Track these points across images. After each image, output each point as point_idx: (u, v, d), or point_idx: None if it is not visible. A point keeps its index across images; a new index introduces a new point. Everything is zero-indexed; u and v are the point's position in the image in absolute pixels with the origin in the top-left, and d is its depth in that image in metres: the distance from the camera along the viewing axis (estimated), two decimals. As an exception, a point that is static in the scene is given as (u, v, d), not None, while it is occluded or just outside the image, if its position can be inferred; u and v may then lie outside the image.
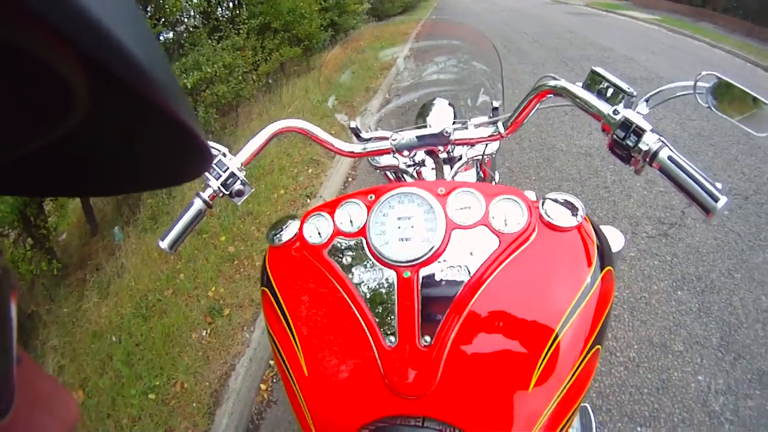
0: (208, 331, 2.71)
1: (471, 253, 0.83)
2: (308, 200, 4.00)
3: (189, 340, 2.67)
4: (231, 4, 7.65)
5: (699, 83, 0.87)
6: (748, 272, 2.94)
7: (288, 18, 7.82)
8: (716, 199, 0.74)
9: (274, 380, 2.54)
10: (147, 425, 2.27)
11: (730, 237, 3.27)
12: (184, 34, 6.00)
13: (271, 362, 2.60)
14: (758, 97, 0.84)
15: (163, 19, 5.20)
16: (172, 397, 2.39)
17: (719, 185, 0.75)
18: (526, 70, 7.98)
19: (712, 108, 0.87)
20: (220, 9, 7.25)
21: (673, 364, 2.37)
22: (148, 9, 5.07)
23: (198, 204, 0.99)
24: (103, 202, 4.87)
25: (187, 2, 5.89)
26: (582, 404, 0.88)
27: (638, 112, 0.85)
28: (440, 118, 1.47)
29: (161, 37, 5.64)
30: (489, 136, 1.15)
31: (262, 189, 4.02)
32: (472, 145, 1.24)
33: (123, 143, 0.28)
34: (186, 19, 6.24)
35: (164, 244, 0.97)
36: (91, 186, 0.34)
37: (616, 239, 1.06)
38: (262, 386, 2.50)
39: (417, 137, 1.18)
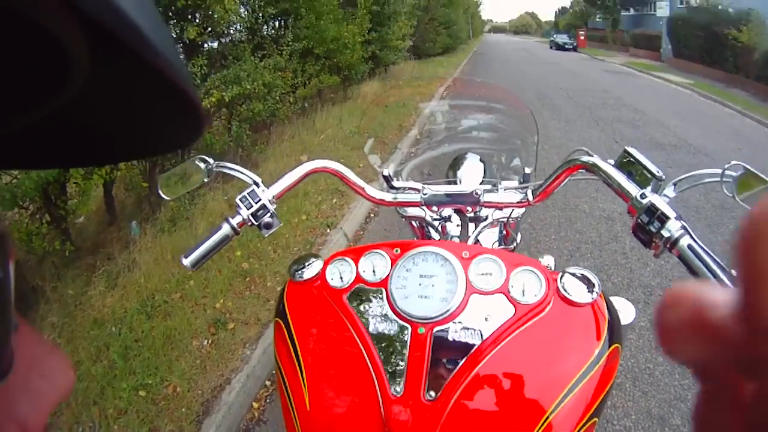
0: (210, 342, 2.73)
1: (486, 319, 0.85)
2: (328, 230, 4.04)
3: (189, 346, 2.69)
4: (277, 24, 7.82)
5: (727, 171, 0.89)
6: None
7: (331, 46, 8.01)
8: None
9: (268, 400, 2.54)
10: (132, 420, 2.27)
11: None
12: (229, 46, 6.10)
13: (267, 383, 2.61)
14: None
15: (209, 29, 5.29)
16: (163, 398, 2.40)
17: (734, 272, 0.76)
18: (557, 127, 8.03)
19: (736, 198, 0.89)
20: (266, 27, 7.40)
21: (668, 438, 2.33)
22: (197, 16, 5.17)
23: (226, 229, 1.01)
24: (125, 194, 4.91)
25: (234, 15, 5.97)
26: None
27: (665, 195, 0.87)
28: (471, 173, 1.50)
29: (206, 46, 5.72)
30: (517, 202, 1.16)
31: (284, 212, 4.04)
32: (500, 208, 1.26)
33: (120, 111, 0.28)
34: (232, 32, 6.34)
35: (187, 262, 0.98)
36: (87, 156, 0.35)
37: (627, 311, 1.06)
38: (255, 404, 2.51)
39: (447, 194, 1.19)
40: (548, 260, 1.41)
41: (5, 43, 0.18)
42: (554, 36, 43.80)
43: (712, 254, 0.77)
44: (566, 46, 37.74)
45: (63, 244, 3.36)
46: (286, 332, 0.97)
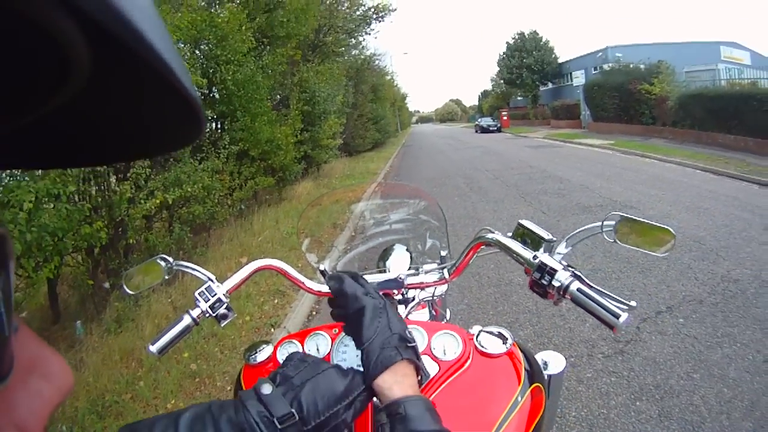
0: (164, 444, 2.79)
1: None
2: (272, 329, 4.14)
3: (143, 449, 2.74)
4: (215, 126, 8.19)
5: (605, 222, 0.99)
6: (707, 370, 3.02)
7: (266, 147, 8.39)
8: (617, 317, 0.83)
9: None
10: None
11: (687, 342, 3.39)
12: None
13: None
14: (655, 224, 0.97)
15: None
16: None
17: (633, 303, 0.85)
18: (486, 208, 8.22)
19: (617, 241, 0.99)
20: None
21: (633, 471, 2.41)
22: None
23: (187, 320, 1.07)
24: (69, 293, 4.95)
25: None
26: None
27: (559, 253, 0.98)
28: (398, 262, 1.60)
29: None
30: (435, 281, 1.28)
31: (228, 313, 4.16)
32: (423, 288, 1.36)
33: (120, 111, 0.28)
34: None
35: (154, 349, 1.03)
36: (88, 156, 0.36)
37: (557, 362, 1.20)
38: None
39: (375, 282, 1.27)
40: (474, 329, 1.44)
41: (4, 42, 0.19)
42: (479, 120, 45.08)
43: (603, 291, 0.88)
44: (491, 128, 38.48)
45: (9, 341, 3.42)
46: None
